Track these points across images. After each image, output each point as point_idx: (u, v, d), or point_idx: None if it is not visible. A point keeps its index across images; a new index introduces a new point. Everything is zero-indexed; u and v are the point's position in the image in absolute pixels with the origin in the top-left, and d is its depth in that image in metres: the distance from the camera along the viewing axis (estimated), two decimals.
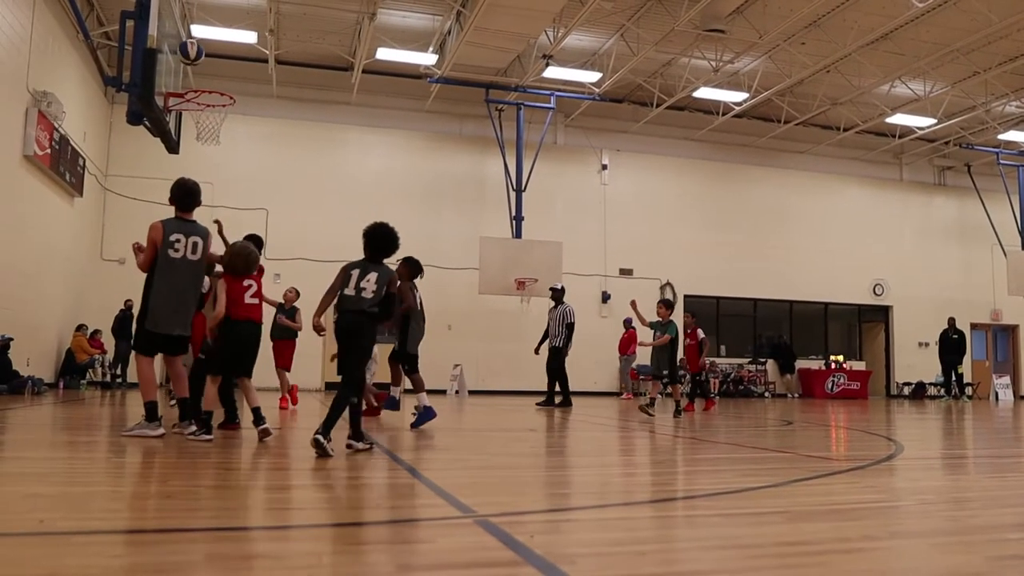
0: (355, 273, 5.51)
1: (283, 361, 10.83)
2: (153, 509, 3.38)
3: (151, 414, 6.05)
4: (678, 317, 11.63)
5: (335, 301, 5.52)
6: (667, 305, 11.02)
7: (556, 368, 12.79)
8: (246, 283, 6.37)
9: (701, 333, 12.25)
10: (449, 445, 6.67)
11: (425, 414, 7.60)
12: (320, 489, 4.07)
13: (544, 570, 2.26)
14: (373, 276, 5.50)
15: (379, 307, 5.44)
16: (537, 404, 12.94)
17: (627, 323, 18.03)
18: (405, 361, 8.08)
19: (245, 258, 6.35)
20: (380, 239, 5.66)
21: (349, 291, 5.43)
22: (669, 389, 11.16)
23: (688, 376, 12.52)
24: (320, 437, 4.98)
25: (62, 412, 9.38)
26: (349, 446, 5.37)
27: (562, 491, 4.17)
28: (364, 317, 5.40)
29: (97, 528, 2.81)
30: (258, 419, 6.11)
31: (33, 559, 2.34)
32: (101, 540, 2.62)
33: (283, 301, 11.12)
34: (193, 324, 6.49)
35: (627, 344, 18.08)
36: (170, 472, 4.55)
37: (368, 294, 5.42)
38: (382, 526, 2.99)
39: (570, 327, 12.59)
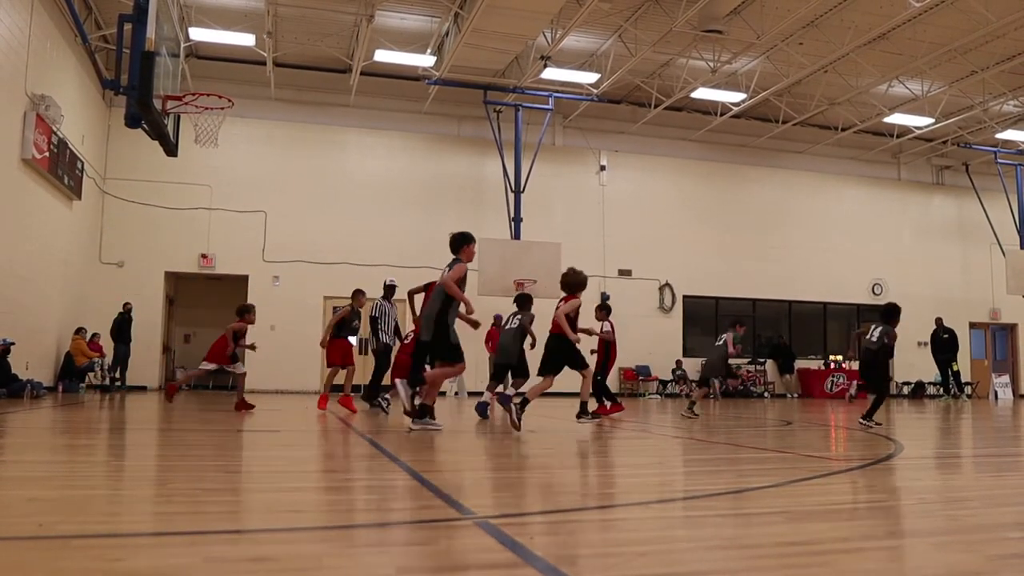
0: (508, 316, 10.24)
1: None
2: (152, 512, 3.37)
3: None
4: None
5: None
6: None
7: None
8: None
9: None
10: (449, 447, 6.67)
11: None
12: (320, 491, 4.06)
13: (545, 571, 2.26)
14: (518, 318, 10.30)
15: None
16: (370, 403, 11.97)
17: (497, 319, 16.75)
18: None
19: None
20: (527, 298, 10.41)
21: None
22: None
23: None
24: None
25: (61, 415, 9.37)
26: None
27: (562, 492, 4.17)
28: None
29: (96, 531, 2.80)
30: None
31: (32, 563, 2.34)
32: (100, 543, 2.62)
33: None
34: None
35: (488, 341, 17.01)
36: (169, 474, 4.55)
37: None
38: (382, 528, 2.99)
39: (372, 320, 11.72)
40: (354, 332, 11.88)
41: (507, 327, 10.60)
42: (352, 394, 11.03)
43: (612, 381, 21.27)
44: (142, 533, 2.88)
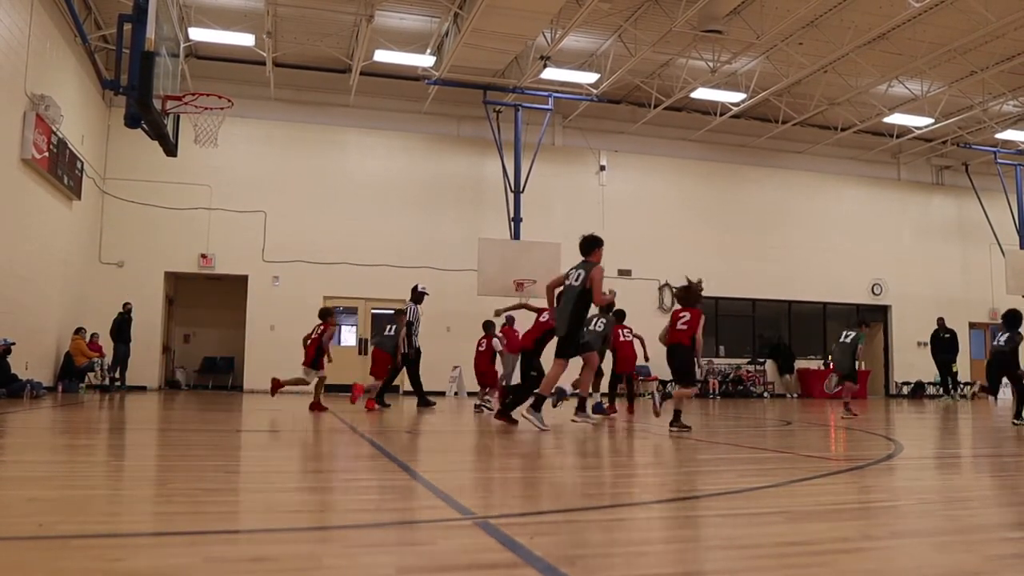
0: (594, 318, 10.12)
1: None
2: (152, 512, 3.38)
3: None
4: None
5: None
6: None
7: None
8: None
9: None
10: (448, 446, 6.67)
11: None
12: (319, 491, 4.06)
13: (544, 571, 2.26)
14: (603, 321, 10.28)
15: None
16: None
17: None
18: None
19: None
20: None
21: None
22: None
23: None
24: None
25: (61, 415, 9.37)
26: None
27: (562, 492, 4.17)
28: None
29: (96, 531, 2.80)
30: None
31: (32, 563, 2.34)
32: (100, 543, 2.62)
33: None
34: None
35: None
36: (169, 474, 4.55)
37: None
38: (382, 528, 2.99)
39: (409, 325, 12.33)
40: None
41: (592, 328, 10.81)
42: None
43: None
44: (142, 533, 2.88)
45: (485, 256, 18.54)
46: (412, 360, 12.27)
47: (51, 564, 2.33)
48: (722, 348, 23.01)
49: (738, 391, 21.75)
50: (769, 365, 22.81)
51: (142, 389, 18.00)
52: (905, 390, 23.59)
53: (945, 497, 4.06)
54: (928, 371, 22.88)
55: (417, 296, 12.44)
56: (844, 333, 12.33)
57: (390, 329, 12.08)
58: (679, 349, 8.10)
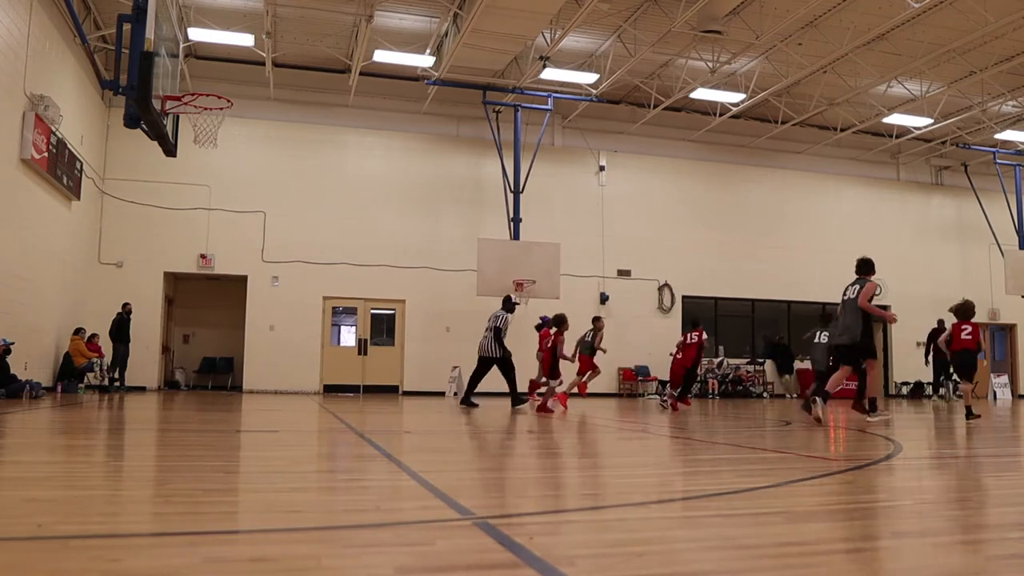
0: (817, 332, 12.48)
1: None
2: (151, 512, 3.37)
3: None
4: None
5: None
6: None
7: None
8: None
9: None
10: (448, 446, 6.67)
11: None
12: (320, 491, 4.06)
13: (543, 572, 2.26)
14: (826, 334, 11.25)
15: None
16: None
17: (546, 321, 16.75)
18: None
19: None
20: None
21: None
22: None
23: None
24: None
25: (60, 416, 9.36)
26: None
27: (561, 492, 4.17)
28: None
29: (95, 532, 2.80)
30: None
31: (31, 563, 2.34)
32: (99, 544, 2.61)
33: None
34: None
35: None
36: (168, 475, 4.55)
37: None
38: (380, 528, 2.98)
39: (496, 331, 12.86)
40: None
41: (817, 342, 13.56)
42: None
43: (612, 380, 21.36)
44: (141, 534, 2.87)
45: (485, 256, 18.55)
46: (504, 360, 12.67)
47: (50, 564, 2.33)
48: (721, 348, 23.03)
49: (737, 391, 21.75)
50: (768, 365, 22.81)
51: (141, 389, 17.99)
52: (904, 390, 23.58)
53: (945, 497, 4.05)
54: (926, 371, 22.88)
55: (510, 306, 13.17)
56: None
57: (586, 335, 13.93)
58: (965, 354, 10.11)
